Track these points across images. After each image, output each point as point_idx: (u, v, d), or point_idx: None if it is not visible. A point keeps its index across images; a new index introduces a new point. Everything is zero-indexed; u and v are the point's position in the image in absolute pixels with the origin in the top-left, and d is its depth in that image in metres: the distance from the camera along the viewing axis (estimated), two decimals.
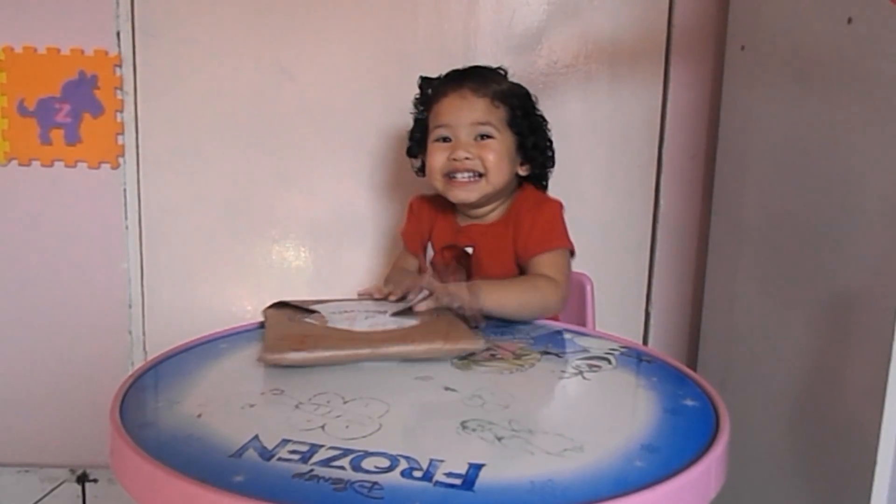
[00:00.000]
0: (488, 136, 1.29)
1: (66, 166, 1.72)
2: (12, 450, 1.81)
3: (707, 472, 0.68)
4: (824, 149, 1.23)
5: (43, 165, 1.72)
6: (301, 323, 1.04)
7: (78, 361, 1.78)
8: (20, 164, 1.71)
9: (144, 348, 1.78)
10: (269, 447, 0.68)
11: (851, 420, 1.12)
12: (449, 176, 1.30)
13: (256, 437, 0.70)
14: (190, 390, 0.85)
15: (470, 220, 1.37)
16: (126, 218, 1.74)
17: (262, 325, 1.10)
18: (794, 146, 1.34)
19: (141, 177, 1.74)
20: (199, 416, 0.76)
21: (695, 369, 1.74)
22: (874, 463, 1.04)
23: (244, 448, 0.68)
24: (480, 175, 1.29)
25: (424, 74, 1.41)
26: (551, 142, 1.41)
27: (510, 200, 1.37)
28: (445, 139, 1.31)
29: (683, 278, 1.79)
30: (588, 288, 1.48)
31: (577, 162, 1.73)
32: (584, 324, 1.42)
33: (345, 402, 0.79)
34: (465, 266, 1.34)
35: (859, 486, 1.07)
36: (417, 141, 1.40)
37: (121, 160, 1.72)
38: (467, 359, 0.96)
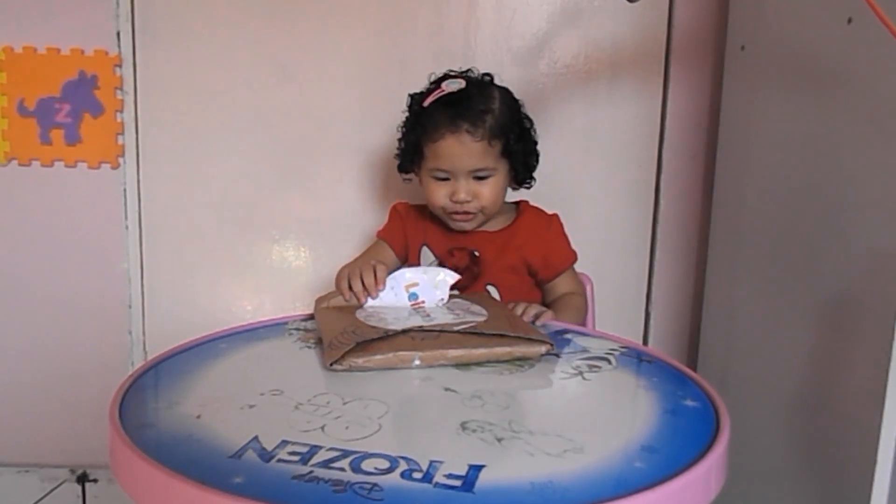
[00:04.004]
0: (486, 175, 1.32)
1: (66, 166, 1.72)
2: (12, 450, 1.81)
3: (707, 473, 0.68)
4: (824, 149, 1.23)
5: (43, 165, 1.71)
6: (358, 322, 1.03)
7: (78, 361, 1.78)
8: (20, 164, 1.71)
9: (144, 348, 1.78)
10: (269, 448, 0.68)
11: (851, 420, 1.11)
12: (451, 211, 1.35)
13: (256, 438, 0.70)
14: (190, 391, 0.85)
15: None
16: (126, 218, 1.74)
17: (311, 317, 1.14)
18: (794, 146, 1.33)
19: (141, 177, 1.73)
20: (199, 416, 0.76)
21: (695, 369, 1.74)
22: (874, 463, 1.03)
23: (244, 449, 0.68)
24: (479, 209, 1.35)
25: (414, 93, 1.40)
26: (536, 142, 1.43)
27: (514, 213, 1.43)
28: (444, 178, 1.33)
29: (683, 278, 1.78)
30: (588, 288, 1.49)
31: (577, 162, 1.73)
32: (584, 324, 1.42)
33: (344, 403, 0.79)
34: (474, 268, 1.37)
35: (859, 486, 1.07)
36: (411, 160, 1.40)
37: (121, 160, 1.72)
38: None
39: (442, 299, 1.13)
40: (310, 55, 1.71)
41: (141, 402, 0.82)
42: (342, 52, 1.71)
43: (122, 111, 1.70)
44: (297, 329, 1.10)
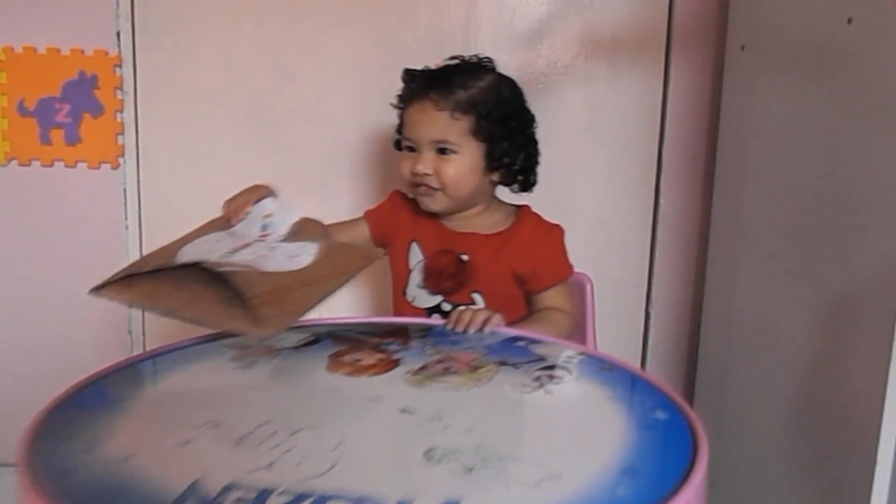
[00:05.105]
0: (449, 151, 1.27)
1: (66, 166, 1.72)
2: (12, 450, 1.81)
3: (696, 491, 0.66)
4: (824, 148, 1.22)
5: (43, 165, 1.72)
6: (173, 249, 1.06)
7: (78, 362, 1.74)
8: (20, 164, 1.72)
9: (144, 348, 1.79)
10: (213, 495, 0.60)
11: (851, 420, 1.12)
12: (413, 184, 1.31)
13: (196, 482, 0.62)
14: (113, 426, 0.77)
15: (464, 227, 1.35)
16: (126, 218, 1.75)
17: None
18: (794, 146, 1.33)
19: (141, 177, 1.74)
20: (127, 459, 0.68)
21: (695, 370, 1.74)
22: (874, 463, 1.04)
23: (183, 498, 0.60)
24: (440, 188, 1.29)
25: (409, 67, 1.37)
26: (534, 141, 1.36)
27: (513, 218, 1.36)
28: (411, 148, 1.31)
29: (683, 278, 1.77)
30: (588, 288, 1.48)
31: (577, 161, 1.72)
32: (583, 324, 1.43)
33: (292, 434, 0.72)
34: (460, 273, 1.32)
35: (859, 486, 1.07)
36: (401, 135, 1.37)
37: (121, 160, 1.72)
38: (420, 374, 0.91)
39: (280, 235, 1.13)
40: (309, 55, 1.71)
41: (56, 444, 0.74)
42: (342, 51, 1.70)
43: (122, 111, 1.71)
44: (230, 347, 1.01)
